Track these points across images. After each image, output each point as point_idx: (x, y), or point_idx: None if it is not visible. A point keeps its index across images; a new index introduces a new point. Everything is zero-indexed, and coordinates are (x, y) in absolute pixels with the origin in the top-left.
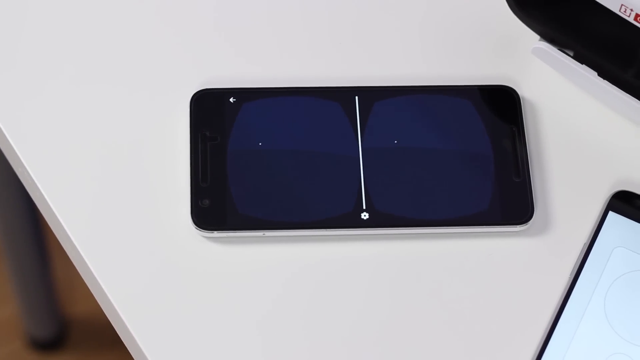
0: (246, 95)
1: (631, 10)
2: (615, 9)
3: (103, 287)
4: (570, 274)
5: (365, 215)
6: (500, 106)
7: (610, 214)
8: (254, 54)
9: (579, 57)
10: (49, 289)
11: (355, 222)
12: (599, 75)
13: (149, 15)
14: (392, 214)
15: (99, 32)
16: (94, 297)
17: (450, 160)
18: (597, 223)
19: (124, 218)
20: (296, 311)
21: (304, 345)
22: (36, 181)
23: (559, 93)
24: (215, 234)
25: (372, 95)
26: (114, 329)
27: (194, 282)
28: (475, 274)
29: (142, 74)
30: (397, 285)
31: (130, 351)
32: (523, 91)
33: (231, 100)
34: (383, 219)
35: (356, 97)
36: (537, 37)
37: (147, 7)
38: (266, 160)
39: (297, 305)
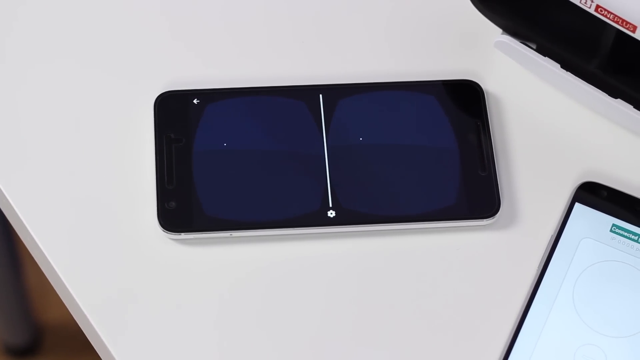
0: (210, 96)
1: (592, 1)
2: (576, 0)
3: (71, 292)
4: (538, 267)
5: (331, 213)
6: (464, 100)
7: (577, 205)
8: (217, 55)
9: (542, 50)
10: (22, 296)
11: (322, 220)
12: (562, 67)
13: (109, 20)
14: (358, 211)
15: (61, 37)
16: None
17: (415, 155)
18: (564, 215)
19: (91, 222)
20: (265, 310)
21: (273, 344)
22: (1, 187)
23: (522, 86)
24: (183, 235)
25: (336, 93)
26: None
27: (162, 284)
28: (443, 268)
29: (104, 78)
30: (366, 282)
31: (100, 355)
32: (487, 85)
33: (195, 101)
34: (350, 216)
35: (320, 96)
36: (500, 30)
37: (106, 11)
38: (232, 160)
39: (265, 304)
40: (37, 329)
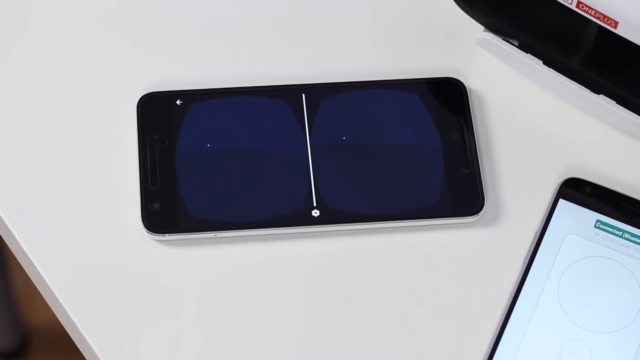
0: (193, 97)
1: None
2: None
3: (57, 295)
4: (523, 263)
5: (316, 213)
6: (447, 98)
7: (561, 201)
8: (199, 56)
9: (524, 47)
10: (9, 300)
11: (306, 220)
12: (544, 63)
13: (93, 21)
14: (343, 210)
15: (43, 39)
16: None
17: (399, 154)
18: (548, 211)
19: (76, 225)
20: (250, 310)
21: (258, 344)
22: None
23: (505, 83)
24: (167, 237)
25: (319, 92)
26: None
27: (147, 286)
28: (428, 266)
29: (87, 80)
30: (351, 281)
31: (86, 357)
32: (469, 82)
33: (178, 102)
34: (334, 215)
35: (303, 95)
36: (482, 28)
37: (90, 13)
38: (215, 161)
39: (250, 304)
40: (25, 332)
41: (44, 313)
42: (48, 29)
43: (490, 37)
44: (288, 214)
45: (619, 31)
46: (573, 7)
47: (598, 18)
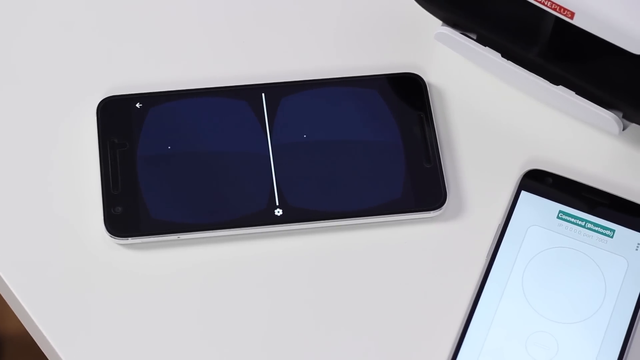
0: (152, 99)
1: None
2: None
3: (21, 302)
4: (487, 256)
5: (279, 212)
6: (406, 93)
7: (523, 193)
8: (158, 59)
9: (482, 40)
10: None
11: (269, 219)
12: (503, 56)
13: (51, 25)
14: (306, 208)
15: (1, 44)
16: None
17: (360, 150)
18: (510, 203)
19: (38, 231)
20: (215, 312)
21: (223, 345)
22: None
23: (464, 77)
24: (130, 240)
25: (279, 91)
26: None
27: (111, 290)
28: (392, 262)
29: (46, 86)
30: (315, 279)
31: None
32: (429, 77)
33: (137, 105)
34: (297, 214)
35: (263, 94)
36: (440, 22)
37: (48, 17)
38: (176, 163)
39: (215, 305)
40: None
41: (16, 321)
42: (6, 34)
43: (448, 31)
44: (251, 213)
45: (575, 22)
46: None
47: (554, 9)
